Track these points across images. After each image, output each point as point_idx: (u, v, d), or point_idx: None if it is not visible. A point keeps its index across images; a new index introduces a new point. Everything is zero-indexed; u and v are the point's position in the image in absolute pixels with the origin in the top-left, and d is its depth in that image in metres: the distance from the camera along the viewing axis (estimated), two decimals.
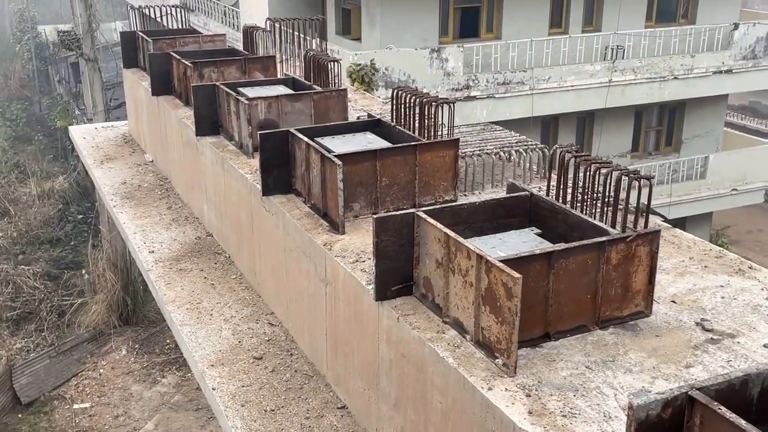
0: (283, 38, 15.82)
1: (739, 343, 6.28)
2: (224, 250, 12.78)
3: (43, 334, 19.86)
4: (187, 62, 13.85)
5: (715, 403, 4.02)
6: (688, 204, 21.39)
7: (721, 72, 20.75)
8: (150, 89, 15.30)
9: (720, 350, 6.22)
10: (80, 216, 25.73)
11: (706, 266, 7.85)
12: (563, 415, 5.39)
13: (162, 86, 15.05)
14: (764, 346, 6.28)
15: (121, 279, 20.60)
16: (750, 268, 7.79)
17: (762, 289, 7.26)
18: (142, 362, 19.46)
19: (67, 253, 23.69)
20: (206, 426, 17.35)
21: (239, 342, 9.88)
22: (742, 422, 3.81)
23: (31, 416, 17.58)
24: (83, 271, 21.95)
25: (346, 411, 8.30)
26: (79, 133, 18.92)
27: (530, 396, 5.62)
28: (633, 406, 4.12)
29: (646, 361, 6.06)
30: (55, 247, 23.92)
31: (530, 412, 5.42)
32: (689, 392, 4.17)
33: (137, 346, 20.08)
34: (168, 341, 20.09)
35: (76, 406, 17.94)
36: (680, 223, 18.42)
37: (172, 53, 14.84)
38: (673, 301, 7.03)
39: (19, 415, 17.45)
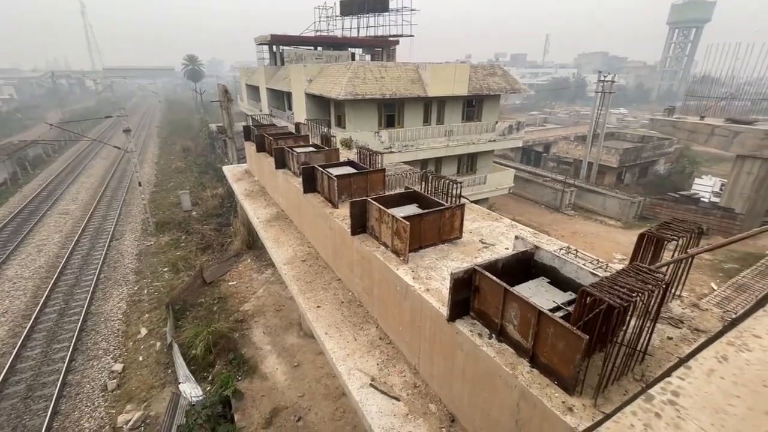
0: (311, 127, 19.72)
1: (495, 248, 8.80)
2: (289, 217, 15.86)
3: (215, 254, 28.36)
4: (271, 137, 17.81)
5: (484, 271, 5.73)
6: (479, 195, 33.46)
7: (491, 141, 33.22)
8: (256, 149, 19.56)
9: (488, 251, 8.65)
10: (228, 204, 36.21)
11: (483, 218, 10.82)
12: (427, 279, 7.35)
13: (261, 148, 19.12)
14: (505, 248, 8.75)
15: (247, 230, 28.24)
16: (500, 218, 10.82)
17: (505, 227, 10.23)
18: (257, 264, 26.59)
19: (223, 220, 33.50)
20: (285, 290, 22.80)
21: (295, 254, 12.88)
22: (493, 277, 5.68)
23: (211, 287, 24.08)
24: (230, 227, 31.03)
25: (341, 281, 11.14)
26: (226, 169, 26.02)
27: (414, 271, 7.55)
28: (452, 273, 5.76)
29: (460, 256, 8.15)
30: (219, 217, 34.14)
31: (413, 278, 7.41)
32: (475, 267, 6.00)
33: (255, 257, 27.41)
34: (267, 256, 26.18)
35: (229, 283, 24.55)
36: (475, 202, 27.86)
37: (265, 134, 18.81)
38: (470, 232, 9.59)
39: (206, 287, 24.07)
